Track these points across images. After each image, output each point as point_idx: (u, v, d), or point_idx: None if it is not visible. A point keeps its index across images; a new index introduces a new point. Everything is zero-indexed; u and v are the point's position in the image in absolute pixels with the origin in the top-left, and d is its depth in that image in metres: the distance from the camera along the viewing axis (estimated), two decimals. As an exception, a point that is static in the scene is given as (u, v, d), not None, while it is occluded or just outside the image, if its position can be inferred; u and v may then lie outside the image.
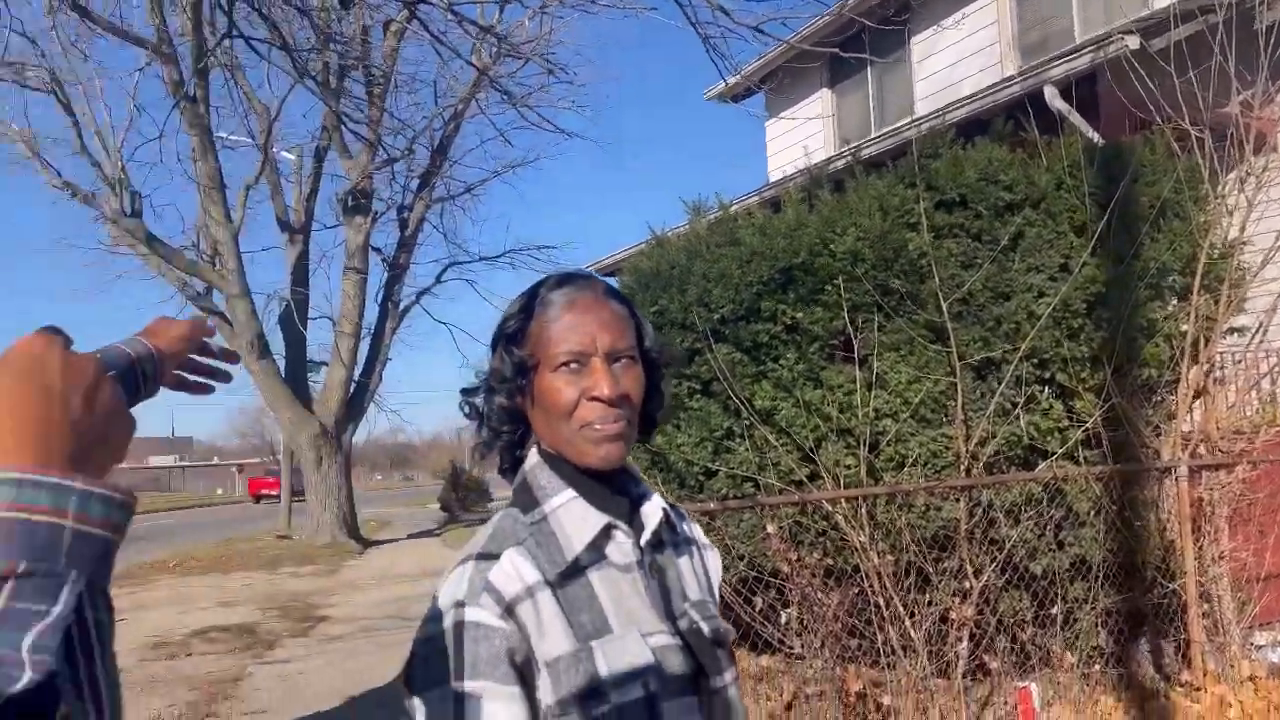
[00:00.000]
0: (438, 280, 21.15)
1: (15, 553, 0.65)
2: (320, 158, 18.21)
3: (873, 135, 10.64)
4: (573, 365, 1.24)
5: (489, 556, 1.21)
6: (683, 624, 1.26)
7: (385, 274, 19.18)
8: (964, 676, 4.57)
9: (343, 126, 15.14)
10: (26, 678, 0.61)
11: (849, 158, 6.89)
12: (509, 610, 1.16)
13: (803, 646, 4.47)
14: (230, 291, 16.31)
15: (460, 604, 1.15)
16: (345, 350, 17.82)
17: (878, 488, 4.71)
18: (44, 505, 0.67)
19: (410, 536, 20.28)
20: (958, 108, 7.97)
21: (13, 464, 0.68)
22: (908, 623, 4.56)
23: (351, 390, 18.19)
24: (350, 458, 19.48)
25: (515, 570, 1.19)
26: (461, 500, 25.85)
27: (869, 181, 5.41)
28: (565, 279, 1.32)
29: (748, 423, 5.17)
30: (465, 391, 1.37)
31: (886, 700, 4.36)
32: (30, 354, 0.75)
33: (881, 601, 4.55)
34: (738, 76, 4.32)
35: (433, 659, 1.14)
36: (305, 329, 18.41)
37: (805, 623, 4.55)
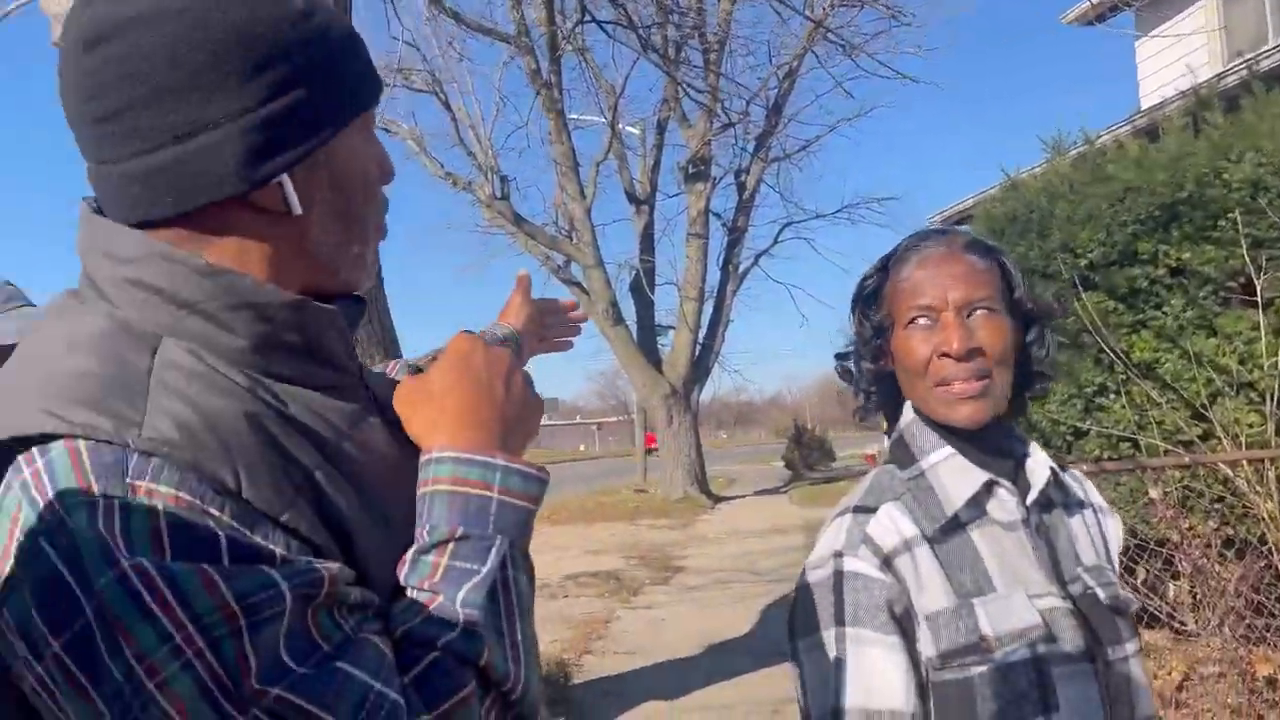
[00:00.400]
0: (775, 240, 21.33)
1: (456, 519, 0.76)
2: (662, 129, 18.91)
3: (1271, 45, 9.18)
4: (922, 321, 1.22)
5: (866, 510, 1.22)
6: (1075, 589, 1.20)
7: (725, 238, 19.61)
8: None
9: (683, 95, 15.60)
10: (459, 628, 0.71)
11: (1243, 72, 6.00)
12: (887, 562, 1.17)
13: (1196, 623, 4.04)
14: (586, 263, 17.49)
15: (839, 554, 1.18)
16: (690, 314, 18.49)
17: (1290, 449, 4.11)
18: (475, 480, 0.78)
19: (757, 493, 20.75)
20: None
21: (452, 445, 0.79)
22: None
23: (697, 352, 18.87)
24: (698, 416, 20.25)
25: (893, 524, 1.19)
26: (805, 459, 26.02)
27: (1271, 97, 4.68)
28: (923, 236, 1.29)
29: (1124, 377, 4.71)
30: (839, 356, 1.38)
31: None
32: (460, 351, 0.87)
33: (1296, 577, 4.00)
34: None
35: (813, 606, 1.18)
36: (653, 295, 19.29)
37: (1199, 597, 4.10)
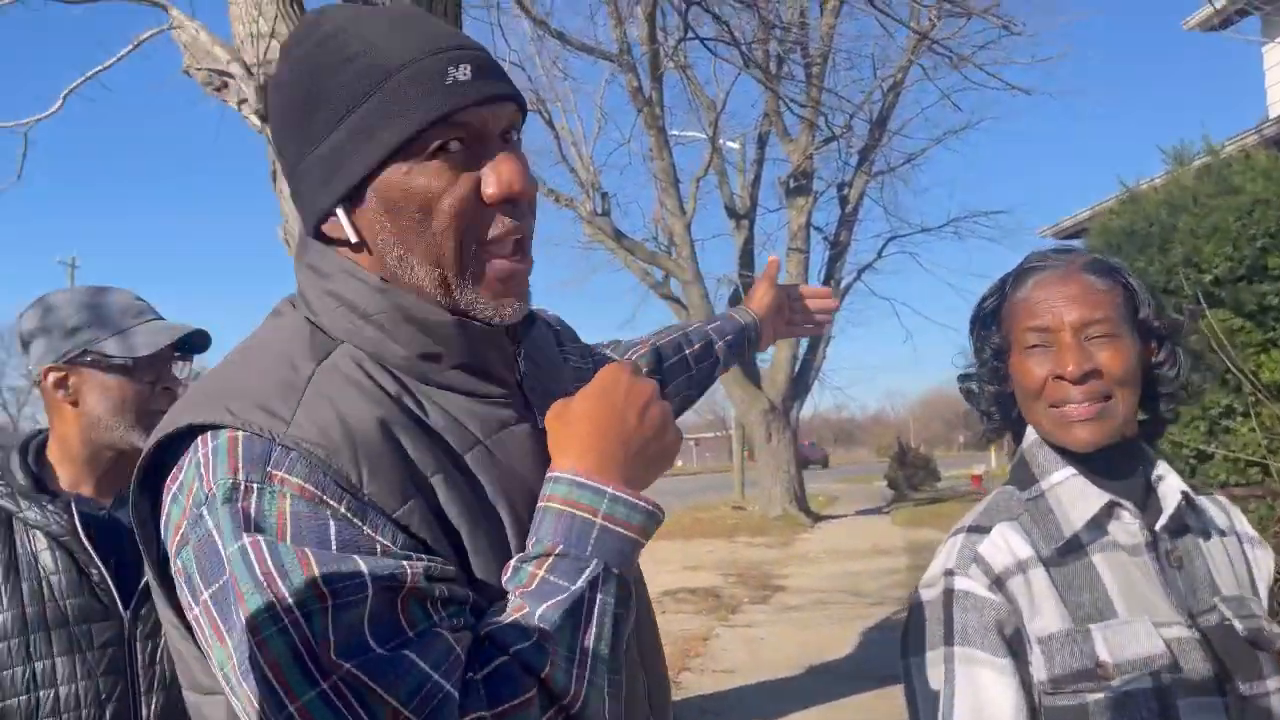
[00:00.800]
0: (879, 255, 20.97)
1: (559, 537, 0.80)
2: (762, 144, 18.85)
3: None
4: (1038, 342, 1.21)
5: (980, 529, 1.21)
6: (1210, 619, 1.16)
7: (827, 252, 19.40)
8: None
9: (784, 110, 15.55)
10: (532, 639, 0.75)
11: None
12: (998, 583, 1.16)
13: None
14: (685, 278, 17.51)
15: (950, 573, 1.18)
16: (790, 329, 18.33)
17: None
18: (585, 504, 0.82)
19: (859, 513, 20.40)
20: None
21: (572, 467, 0.85)
22: None
23: (796, 368, 18.68)
24: (797, 433, 20.03)
25: (1005, 544, 1.18)
26: (909, 478, 25.46)
27: None
28: (1041, 256, 1.28)
29: (1253, 398, 4.47)
30: (962, 377, 1.38)
31: None
32: (605, 379, 0.90)
33: None
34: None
35: (924, 624, 1.17)
36: (753, 310, 19.19)
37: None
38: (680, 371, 1.47)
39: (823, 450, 59.07)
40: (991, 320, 1.29)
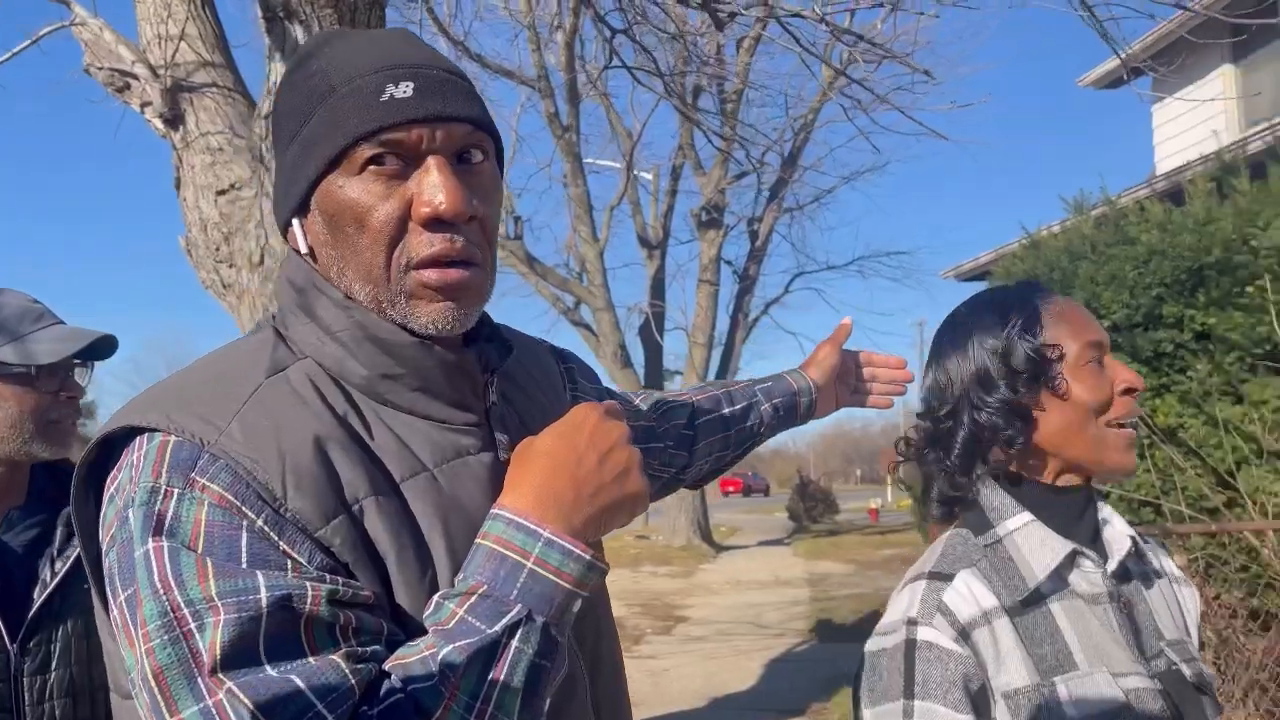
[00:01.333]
0: (786, 290, 21.36)
1: (486, 576, 0.76)
2: (676, 176, 19.03)
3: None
4: (1093, 360, 1.16)
5: (942, 577, 1.14)
6: (1159, 664, 1.13)
7: (736, 285, 19.64)
8: None
9: (699, 143, 15.73)
10: (431, 681, 0.71)
11: (1265, 139, 6.01)
12: (964, 634, 1.10)
13: (1219, 696, 3.94)
14: (596, 305, 17.50)
15: (913, 622, 1.10)
16: (698, 360, 18.46)
17: (1320, 521, 4.03)
18: (516, 544, 0.78)
19: (760, 544, 20.56)
20: None
21: (513, 507, 0.80)
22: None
23: (705, 399, 18.81)
24: (703, 464, 20.12)
25: (971, 593, 1.12)
26: (809, 510, 25.81)
27: (1301, 165, 4.66)
28: (1029, 286, 1.25)
29: (1148, 441, 4.65)
30: (921, 415, 1.28)
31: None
32: (574, 417, 0.86)
33: (1325, 653, 3.89)
34: (1128, 51, 3.89)
35: (882, 675, 1.11)
36: (662, 339, 19.29)
37: (1223, 669, 4.00)
38: (714, 430, 1.37)
39: (765, 480, 59.21)
40: (1031, 327, 1.16)
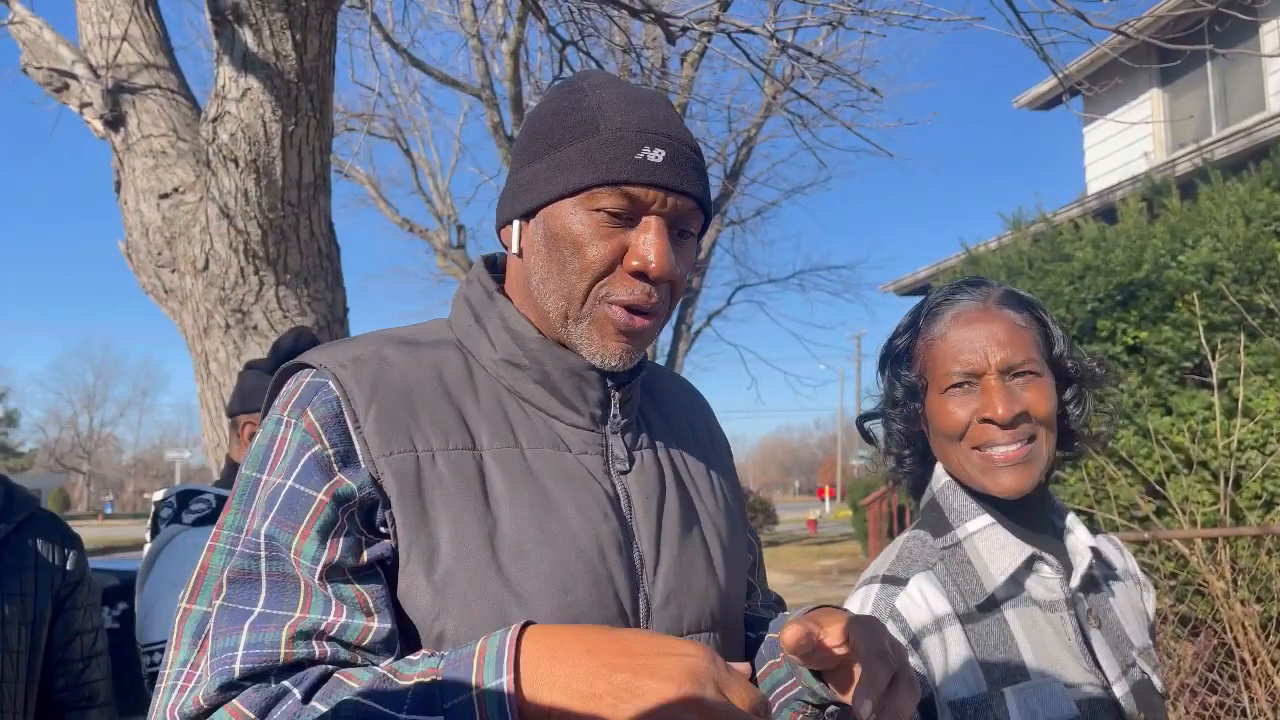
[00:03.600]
0: (728, 303, 21.54)
1: (449, 670, 0.74)
2: (620, 187, 19.05)
3: (1216, 136, 9.58)
4: (963, 385, 1.14)
5: (895, 581, 1.14)
6: (1133, 674, 1.12)
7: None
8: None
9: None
10: (325, 705, 0.74)
11: (1193, 161, 6.24)
12: (914, 642, 1.09)
13: (1153, 700, 4.06)
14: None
15: None
16: (642, 371, 18.49)
17: (1243, 528, 4.19)
18: (485, 664, 0.73)
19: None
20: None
21: (527, 635, 0.74)
22: (1279, 681, 4.00)
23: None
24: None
25: (924, 599, 1.11)
26: (749, 521, 25.93)
27: (1228, 186, 4.85)
28: (956, 289, 1.21)
29: (1081, 451, 4.79)
30: (863, 417, 1.30)
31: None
32: (693, 666, 0.72)
33: (1248, 656, 4.03)
34: (1064, 72, 4.02)
35: None
36: (605, 351, 19.28)
37: (1154, 674, 4.13)
38: None
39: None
40: (905, 358, 1.21)
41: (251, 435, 2.19)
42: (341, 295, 3.59)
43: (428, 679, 0.74)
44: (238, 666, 0.77)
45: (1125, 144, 11.06)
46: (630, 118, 0.93)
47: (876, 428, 1.29)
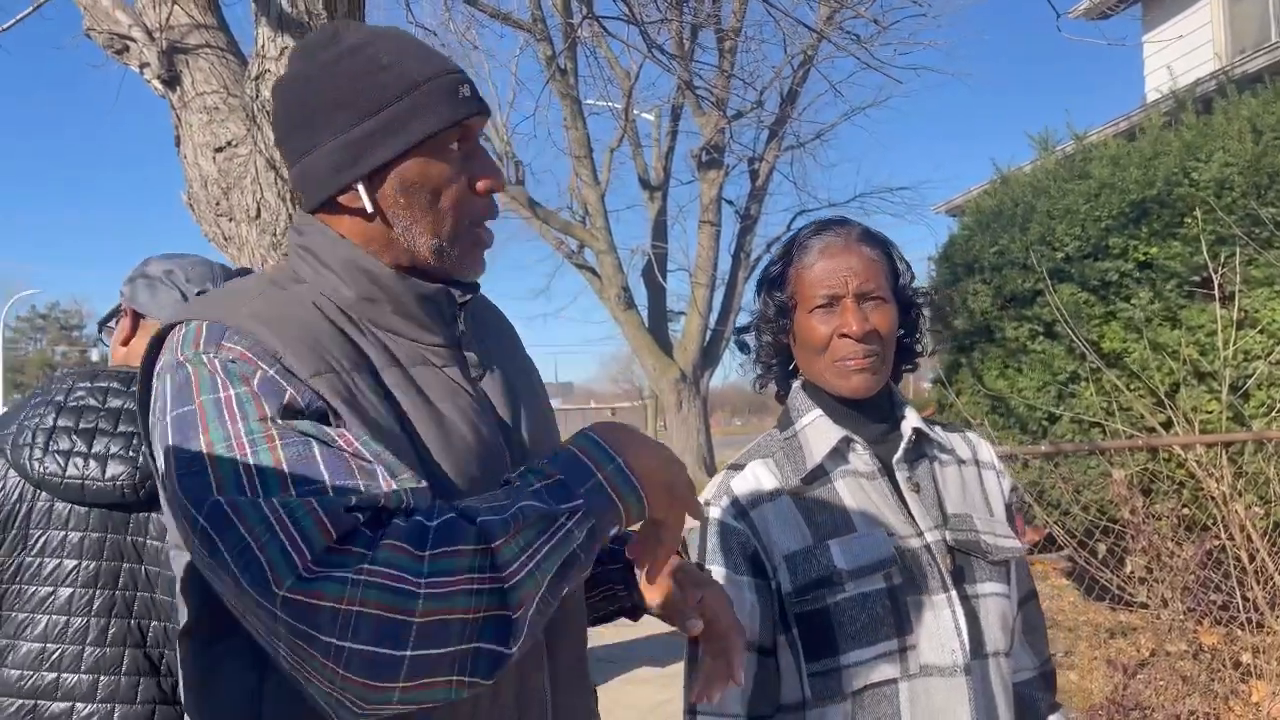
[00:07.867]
0: (788, 229, 21.33)
1: (564, 471, 0.89)
2: (676, 116, 19.04)
3: (1271, 43, 9.30)
4: (826, 306, 1.38)
5: (737, 467, 1.44)
6: (938, 533, 1.37)
7: (738, 225, 19.75)
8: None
9: (692, 90, 15.79)
10: (499, 520, 0.82)
11: (1222, 76, 6.19)
12: (743, 513, 1.37)
13: (1148, 597, 4.28)
14: (599, 248, 17.70)
15: (708, 504, 1.39)
16: (701, 300, 18.66)
17: (1239, 434, 4.34)
18: (593, 456, 0.92)
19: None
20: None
21: (601, 433, 0.94)
22: (1279, 579, 4.19)
23: (708, 338, 19.06)
24: (708, 402, 20.46)
25: (755, 478, 1.40)
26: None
27: (1241, 100, 4.88)
28: (822, 226, 1.45)
29: (1094, 366, 4.94)
30: (739, 330, 1.56)
31: (1246, 658, 4.06)
32: (675, 460, 0.99)
33: (1245, 556, 4.22)
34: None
35: (691, 542, 1.39)
36: (665, 281, 19.48)
37: (1153, 573, 4.34)
38: None
39: None
40: (779, 282, 1.45)
41: None
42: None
43: (550, 480, 0.88)
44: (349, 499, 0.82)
45: (1183, 52, 10.76)
46: (430, 66, 1.05)
47: (750, 340, 1.54)
